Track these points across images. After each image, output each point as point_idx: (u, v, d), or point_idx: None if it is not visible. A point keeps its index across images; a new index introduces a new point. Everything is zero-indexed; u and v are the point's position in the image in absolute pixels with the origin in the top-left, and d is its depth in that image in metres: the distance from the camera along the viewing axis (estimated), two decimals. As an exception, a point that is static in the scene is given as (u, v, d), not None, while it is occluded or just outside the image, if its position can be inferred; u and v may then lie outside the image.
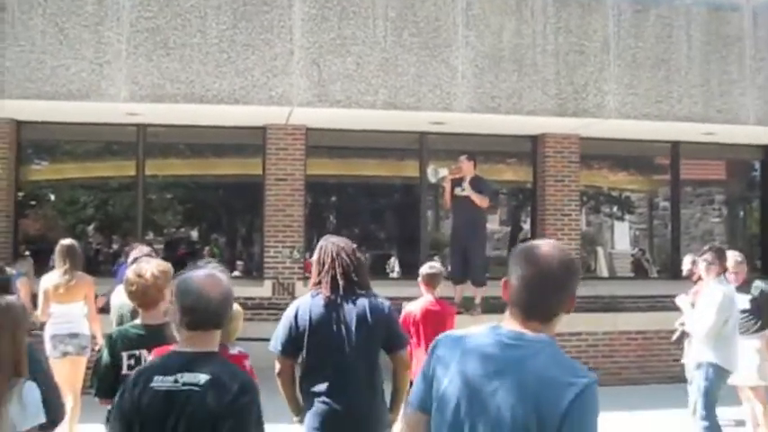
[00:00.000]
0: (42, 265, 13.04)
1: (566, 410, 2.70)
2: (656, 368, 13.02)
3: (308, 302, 5.34)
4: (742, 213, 17.92)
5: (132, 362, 4.72)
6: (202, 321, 3.41)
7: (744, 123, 14.05)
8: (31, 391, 3.95)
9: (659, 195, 16.81)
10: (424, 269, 8.34)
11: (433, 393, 2.96)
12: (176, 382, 3.28)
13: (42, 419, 4.03)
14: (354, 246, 5.59)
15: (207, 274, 3.50)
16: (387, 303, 5.53)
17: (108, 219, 15.71)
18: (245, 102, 12.43)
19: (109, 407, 4.62)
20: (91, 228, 15.13)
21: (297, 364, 5.41)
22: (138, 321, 5.05)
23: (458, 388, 2.88)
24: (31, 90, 12.01)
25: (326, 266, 5.38)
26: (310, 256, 14.81)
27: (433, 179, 13.08)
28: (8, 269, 5.72)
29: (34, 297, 9.42)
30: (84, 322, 9.27)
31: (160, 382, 3.29)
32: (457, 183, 12.61)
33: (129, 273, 5.15)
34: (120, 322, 6.26)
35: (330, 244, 5.48)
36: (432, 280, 8.23)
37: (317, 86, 12.56)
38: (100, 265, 14.31)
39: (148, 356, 4.56)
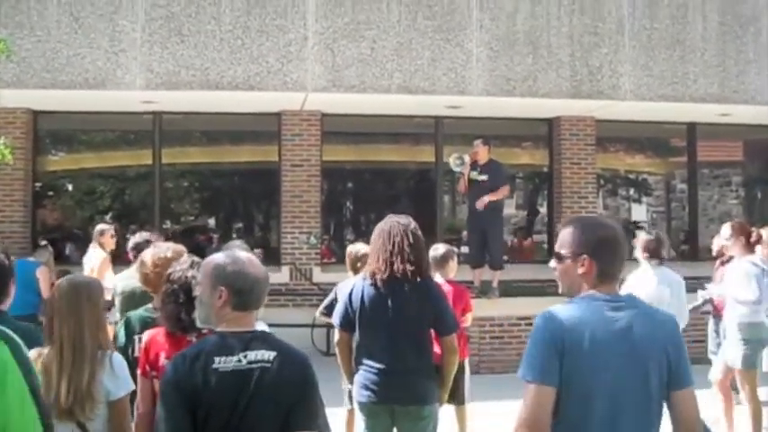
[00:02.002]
0: (61, 254, 13.18)
1: (679, 339, 3.33)
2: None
3: (361, 285, 5.62)
4: (760, 195, 17.83)
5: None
6: (252, 302, 3.44)
7: (760, 104, 13.96)
8: (118, 360, 4.19)
9: (676, 177, 16.74)
10: (430, 252, 8.36)
11: (565, 367, 3.14)
12: (240, 361, 3.27)
13: (132, 387, 4.21)
14: (415, 225, 5.73)
15: (248, 256, 3.55)
16: (439, 287, 5.88)
17: (125, 208, 15.75)
18: (260, 88, 12.46)
19: None
20: (108, 217, 15.15)
21: (353, 337, 5.73)
22: (152, 305, 5.09)
23: (597, 357, 3.16)
24: (47, 80, 12.08)
25: (383, 248, 5.59)
26: (327, 242, 14.96)
27: (457, 168, 12.80)
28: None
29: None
30: None
31: (223, 363, 3.27)
32: (472, 167, 12.57)
33: (145, 256, 5.18)
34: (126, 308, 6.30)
35: (391, 225, 5.67)
36: (439, 262, 8.23)
37: (331, 72, 12.57)
38: (118, 254, 14.36)
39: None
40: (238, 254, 3.54)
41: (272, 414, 3.25)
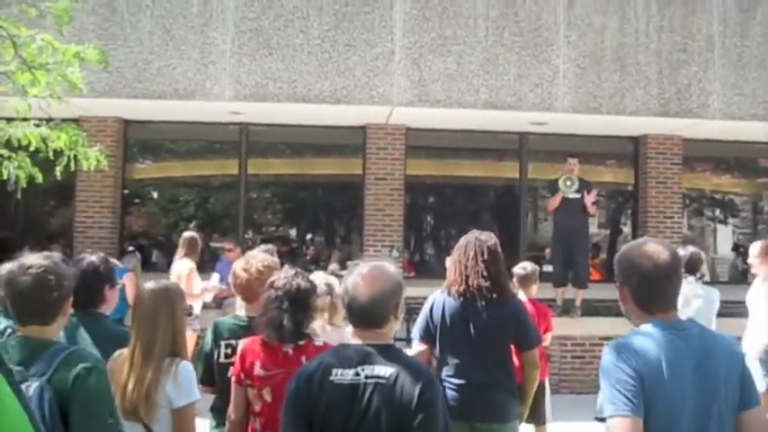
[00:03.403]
0: (147, 261, 13.41)
1: (743, 360, 3.27)
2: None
3: (441, 299, 5.69)
4: None
5: (229, 351, 4.83)
6: (361, 321, 3.42)
7: None
8: (185, 369, 4.24)
9: (764, 198, 16.43)
10: (517, 269, 8.33)
11: (647, 398, 3.06)
12: (358, 375, 3.26)
13: (197, 397, 4.30)
14: (495, 241, 5.81)
15: (370, 269, 3.48)
16: (518, 303, 5.92)
17: (208, 216, 15.96)
18: (347, 101, 12.54)
19: (207, 393, 4.86)
20: (192, 225, 15.38)
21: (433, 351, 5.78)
22: (241, 313, 5.17)
23: (676, 389, 3.08)
24: (138, 89, 12.33)
25: (463, 264, 5.67)
26: (409, 256, 14.97)
27: (569, 194, 12.64)
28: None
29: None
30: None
31: (341, 376, 3.27)
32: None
33: (236, 266, 5.26)
34: None
35: (468, 240, 5.78)
36: (524, 280, 8.21)
37: (417, 86, 12.60)
38: (202, 263, 14.57)
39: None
40: (361, 268, 3.49)
41: (386, 431, 3.21)
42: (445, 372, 5.61)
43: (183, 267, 10.80)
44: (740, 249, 15.97)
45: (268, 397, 4.39)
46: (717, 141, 14.97)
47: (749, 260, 8.92)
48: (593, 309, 12.75)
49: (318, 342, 4.52)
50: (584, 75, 12.93)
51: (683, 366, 3.09)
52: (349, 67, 12.50)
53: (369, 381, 3.24)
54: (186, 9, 12.39)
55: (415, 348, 5.76)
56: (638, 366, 3.05)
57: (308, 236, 16.16)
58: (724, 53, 13.31)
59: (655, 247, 3.23)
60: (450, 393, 5.55)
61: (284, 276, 4.55)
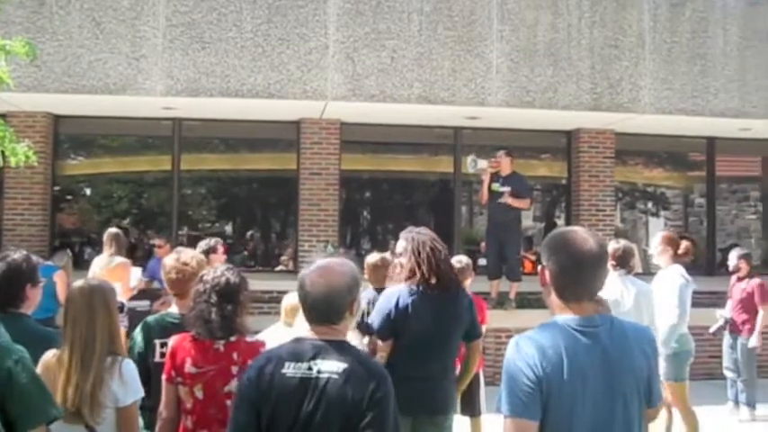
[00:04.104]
0: (79, 258, 13.21)
1: (653, 354, 3.25)
2: (692, 365, 12.95)
3: (406, 293, 5.66)
4: (778, 210, 17.77)
5: (164, 349, 4.75)
6: (316, 317, 3.40)
7: (780, 119, 13.95)
8: (129, 367, 4.17)
9: (695, 192, 16.67)
10: (452, 263, 8.37)
11: (546, 399, 2.99)
12: (310, 369, 3.25)
13: (142, 394, 4.23)
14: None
15: (326, 264, 3.46)
16: (469, 295, 6.05)
17: (142, 213, 15.79)
18: (280, 96, 12.48)
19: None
20: (126, 222, 15.21)
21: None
22: (173, 310, 5.11)
23: (576, 388, 3.02)
24: (68, 84, 12.14)
25: (422, 258, 5.70)
26: (344, 251, 14.92)
27: (471, 169, 13.00)
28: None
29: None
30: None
31: (293, 370, 3.27)
32: (494, 178, 12.60)
33: (166, 261, 5.21)
34: None
35: (422, 236, 5.84)
36: (459, 273, 8.25)
37: (351, 81, 12.58)
38: (135, 259, 14.38)
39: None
40: (313, 266, 3.47)
41: (335, 427, 3.20)
42: (402, 366, 5.48)
43: (114, 262, 10.81)
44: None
45: (199, 394, 4.35)
46: (648, 135, 15.17)
47: (651, 251, 9.14)
48: (527, 301, 12.84)
49: (251, 338, 4.49)
50: (518, 69, 13.01)
51: (585, 366, 3.02)
52: (283, 62, 12.43)
53: (321, 376, 3.23)
54: (117, 2, 12.20)
55: (377, 346, 5.69)
56: (538, 365, 2.98)
57: (249, 232, 16.05)
58: (654, 48, 13.49)
59: (583, 236, 3.17)
60: (405, 387, 5.52)
61: (213, 270, 4.52)
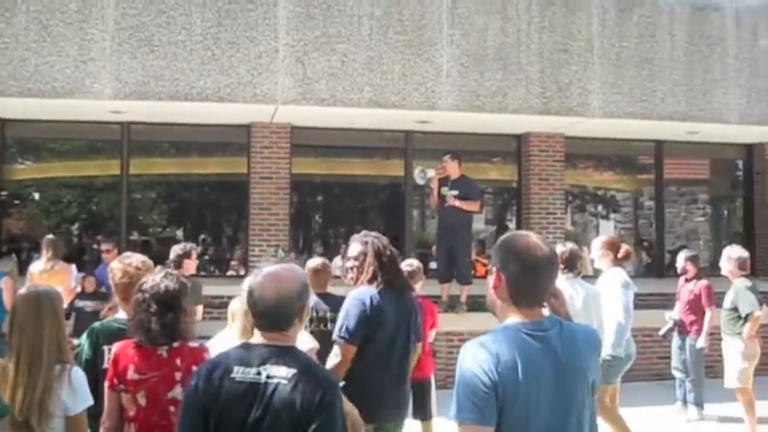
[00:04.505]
0: (26, 265, 13.03)
1: (598, 354, 3.32)
2: (641, 366, 13.04)
3: (375, 295, 5.60)
4: (726, 212, 18.00)
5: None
6: (267, 324, 3.40)
7: (727, 122, 14.14)
8: (78, 374, 4.10)
9: (644, 194, 16.83)
10: (403, 266, 8.39)
11: (501, 404, 2.98)
12: (259, 374, 3.25)
13: (91, 402, 4.17)
14: None
15: (276, 270, 3.46)
16: (416, 299, 6.14)
17: (92, 218, 15.62)
18: (230, 100, 12.39)
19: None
20: (75, 227, 15.04)
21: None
22: (120, 315, 5.05)
23: (530, 394, 3.01)
24: (14, 87, 11.95)
25: (384, 262, 5.72)
26: (295, 255, 14.88)
27: (420, 181, 13.03)
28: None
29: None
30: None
31: (242, 375, 3.27)
32: (444, 183, 12.63)
33: (117, 264, 5.16)
34: None
35: (381, 240, 5.85)
36: (409, 277, 8.27)
37: (301, 84, 12.54)
38: (84, 264, 14.23)
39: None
40: (262, 272, 3.46)
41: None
42: (368, 369, 5.49)
43: (57, 267, 10.87)
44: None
45: (142, 401, 4.31)
46: (598, 139, 15.31)
47: (592, 255, 9.22)
48: (478, 304, 12.86)
49: (194, 344, 4.45)
50: (468, 74, 13.05)
51: (539, 370, 3.03)
52: (232, 65, 12.36)
53: (270, 381, 3.24)
54: (64, 4, 12.04)
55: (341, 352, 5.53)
56: (493, 370, 2.97)
57: (200, 237, 15.94)
58: (603, 53, 13.61)
59: (535, 241, 3.19)
60: (371, 392, 5.48)
61: (152, 279, 4.47)
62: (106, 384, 4.39)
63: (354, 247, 5.86)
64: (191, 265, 9.75)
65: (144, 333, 4.34)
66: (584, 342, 3.22)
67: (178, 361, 4.30)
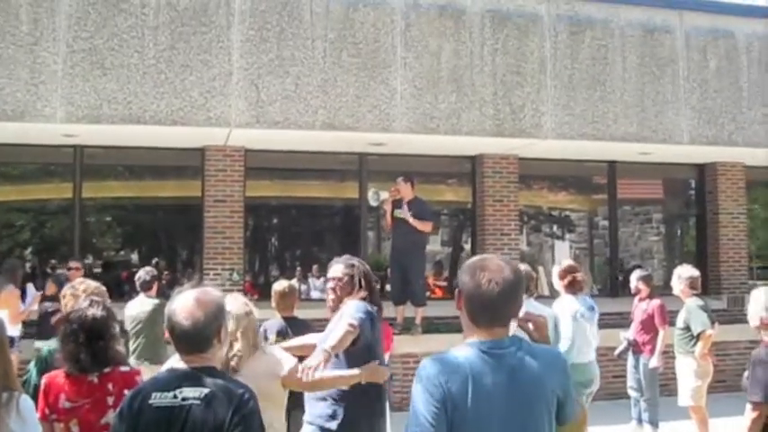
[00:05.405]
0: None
1: (567, 376, 3.32)
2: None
3: (371, 311, 5.69)
4: (679, 231, 18.19)
5: None
6: (188, 344, 3.43)
7: (678, 143, 14.30)
8: (26, 402, 4.04)
9: (598, 214, 16.97)
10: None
11: (450, 422, 3.05)
12: (175, 397, 3.29)
13: (40, 430, 4.11)
14: None
15: (192, 294, 3.49)
16: None
17: (44, 242, 15.48)
18: (183, 123, 12.33)
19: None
20: (27, 251, 14.89)
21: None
22: None
23: (481, 411, 3.07)
24: (-37, 111, 11.84)
25: (372, 285, 5.86)
26: (250, 278, 14.83)
27: (374, 203, 13.07)
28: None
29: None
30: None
31: (159, 399, 3.30)
32: (397, 204, 12.64)
33: (65, 291, 5.14)
34: None
35: (362, 264, 5.96)
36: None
37: (255, 107, 12.52)
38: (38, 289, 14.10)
39: None
40: (180, 297, 3.49)
41: None
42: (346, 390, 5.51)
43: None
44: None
45: (75, 429, 4.27)
46: (552, 160, 15.43)
47: (553, 279, 9.43)
48: (434, 326, 12.90)
49: (125, 368, 4.42)
50: (421, 96, 13.11)
51: (491, 386, 3.08)
52: (186, 88, 12.31)
53: (185, 403, 3.27)
54: (15, 27, 11.93)
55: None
56: (443, 384, 3.04)
57: (155, 260, 15.82)
58: (555, 75, 13.73)
59: (497, 263, 3.26)
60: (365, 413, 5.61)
61: (78, 308, 4.44)
62: (37, 416, 4.33)
63: (337, 268, 5.89)
64: (156, 288, 10.20)
65: (74, 365, 4.31)
66: (545, 360, 3.26)
67: (110, 386, 4.27)
